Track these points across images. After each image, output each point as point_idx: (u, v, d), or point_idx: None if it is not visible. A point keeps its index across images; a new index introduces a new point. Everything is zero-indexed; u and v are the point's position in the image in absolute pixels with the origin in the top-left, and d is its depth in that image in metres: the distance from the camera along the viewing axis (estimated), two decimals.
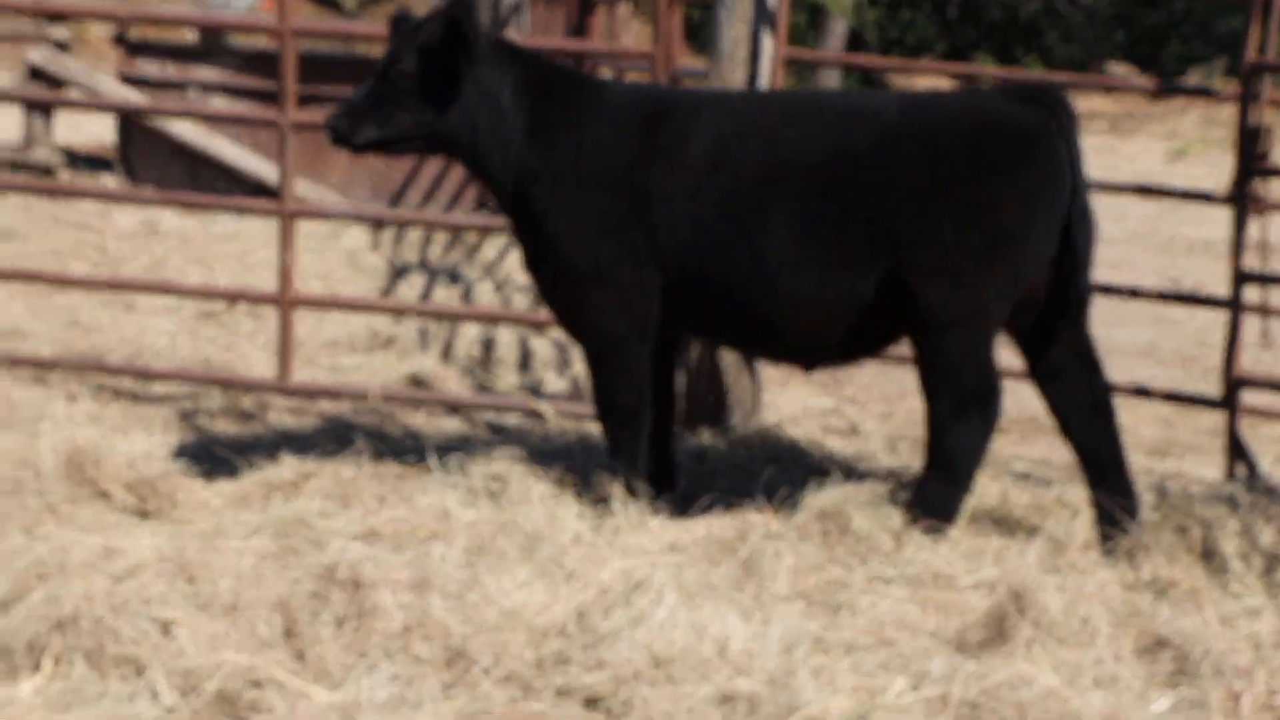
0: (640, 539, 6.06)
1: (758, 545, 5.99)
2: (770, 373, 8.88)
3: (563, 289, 6.22)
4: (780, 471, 6.84)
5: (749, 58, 7.25)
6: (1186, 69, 26.65)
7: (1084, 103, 25.69)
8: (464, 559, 5.63)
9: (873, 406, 9.05)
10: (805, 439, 7.28)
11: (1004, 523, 6.39)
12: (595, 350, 6.25)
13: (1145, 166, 19.16)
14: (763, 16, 7.21)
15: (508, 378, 9.00)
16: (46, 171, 14.51)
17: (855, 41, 38.72)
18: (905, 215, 5.87)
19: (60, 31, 14.35)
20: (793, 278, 5.97)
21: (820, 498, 6.24)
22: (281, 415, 7.66)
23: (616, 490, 6.27)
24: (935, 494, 6.03)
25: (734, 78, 7.23)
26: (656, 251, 6.05)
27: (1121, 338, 11.09)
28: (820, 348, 6.22)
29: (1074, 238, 5.90)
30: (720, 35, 7.24)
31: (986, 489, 6.63)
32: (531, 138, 6.13)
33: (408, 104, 6.09)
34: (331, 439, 7.23)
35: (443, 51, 6.05)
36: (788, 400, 8.19)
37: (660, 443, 6.49)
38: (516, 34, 13.77)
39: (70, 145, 15.49)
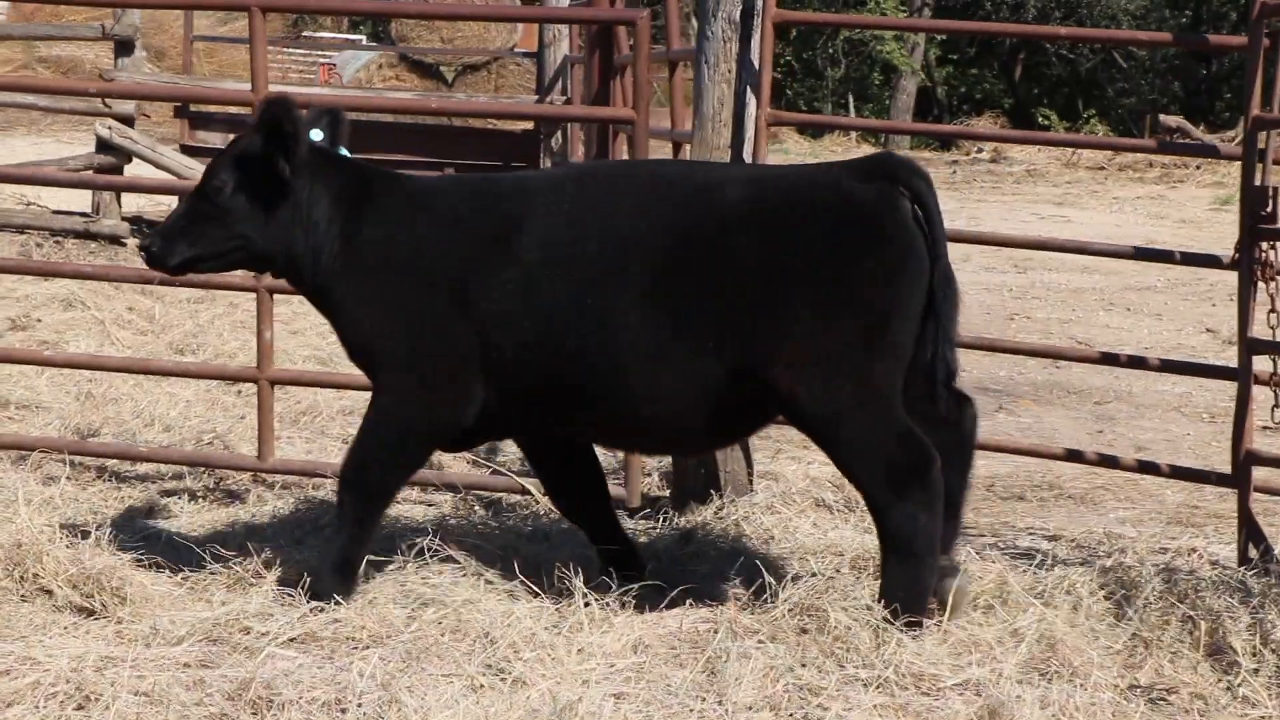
0: (602, 638, 5.22)
1: (724, 645, 5.12)
2: (783, 436, 8.03)
3: (374, 376, 5.52)
4: (764, 556, 5.98)
5: (733, 120, 6.39)
6: (1237, 120, 25.61)
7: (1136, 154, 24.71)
8: (399, 667, 4.84)
9: None
10: (797, 517, 6.39)
11: (997, 609, 5.48)
12: (373, 423, 5.46)
13: (1191, 214, 18.13)
14: (746, 77, 6.37)
15: (512, 449, 8.18)
16: (115, 240, 13.94)
17: (925, 98, 38.08)
18: (759, 304, 5.15)
19: (126, 106, 13.80)
20: (639, 371, 5.23)
21: (798, 589, 5.41)
22: (265, 496, 6.87)
23: (578, 583, 5.44)
24: (898, 581, 5.21)
25: (718, 140, 6.38)
26: (482, 348, 5.32)
27: (1160, 390, 10.17)
28: (685, 440, 5.53)
29: (938, 307, 5.18)
30: (703, 97, 6.44)
31: (985, 570, 5.77)
32: (346, 241, 5.44)
33: (223, 220, 5.45)
34: (308, 523, 6.45)
35: (262, 162, 5.37)
36: (795, 470, 7.29)
37: (604, 528, 5.77)
38: (561, 98, 13.04)
39: (140, 213, 14.91)
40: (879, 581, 5.31)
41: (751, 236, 5.17)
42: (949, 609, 5.27)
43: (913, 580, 5.20)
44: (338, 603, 5.28)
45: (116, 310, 11.14)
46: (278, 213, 5.40)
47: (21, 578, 5.52)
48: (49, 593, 5.49)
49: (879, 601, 5.19)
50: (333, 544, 5.50)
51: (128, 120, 13.86)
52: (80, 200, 14.64)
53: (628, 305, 5.19)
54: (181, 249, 5.45)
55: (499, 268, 5.28)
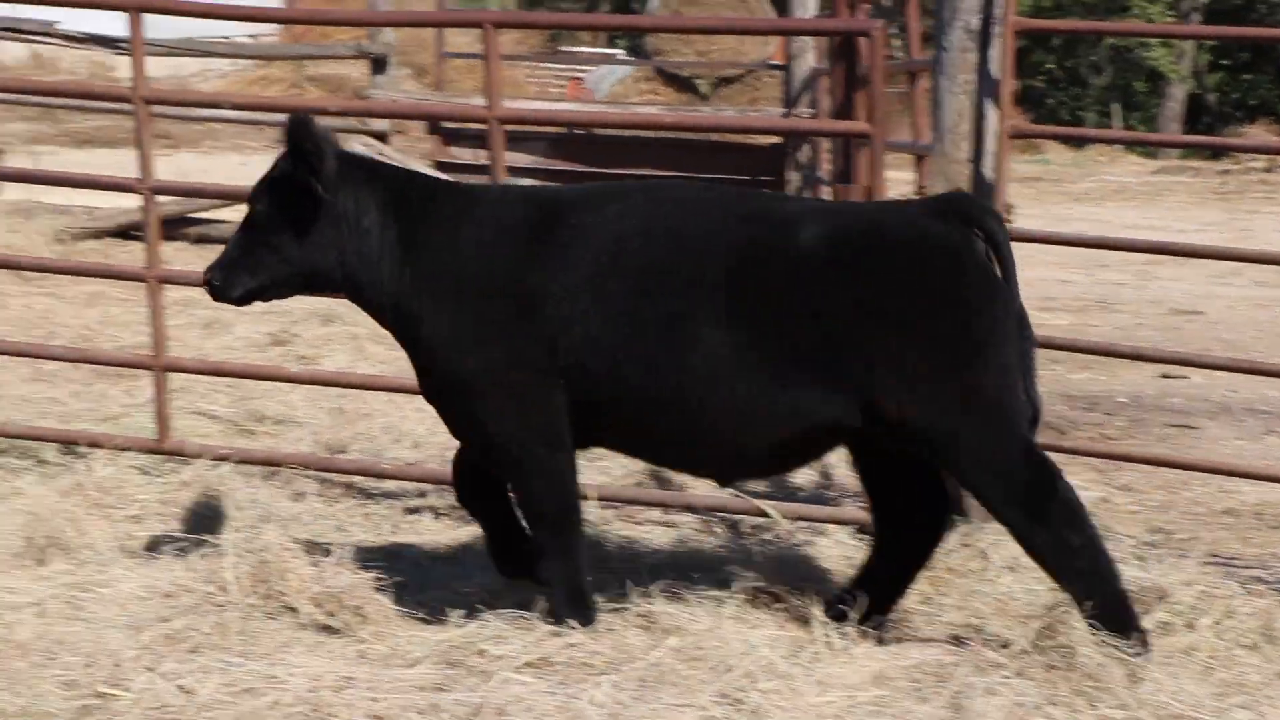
0: (842, 669, 5.08)
1: (968, 679, 4.94)
2: None
3: (455, 402, 5.38)
4: (1009, 586, 5.77)
5: (973, 132, 6.18)
6: None
7: None
8: (632, 695, 4.76)
9: (1149, 496, 7.81)
10: None
11: (1263, 647, 5.21)
12: (504, 461, 5.37)
13: None
14: (986, 87, 6.15)
15: None
16: None
17: (1196, 105, 36.90)
18: (850, 332, 5.07)
19: (380, 123, 14.07)
20: (714, 391, 5.12)
21: (1045, 622, 5.15)
22: None
23: (817, 612, 5.31)
24: (1104, 612, 5.02)
25: (957, 153, 6.19)
26: (554, 356, 5.20)
27: None
28: (754, 461, 5.35)
29: (1019, 348, 5.13)
30: (942, 108, 6.24)
31: (1250, 604, 5.50)
32: (406, 252, 5.32)
33: (272, 246, 5.35)
34: None
35: (297, 182, 5.26)
36: None
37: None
38: (809, 110, 12.89)
39: None
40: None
41: (838, 273, 5.09)
42: None
43: (1108, 597, 5.04)
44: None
45: (371, 325, 11.31)
46: (325, 229, 5.31)
47: (266, 594, 5.56)
48: (293, 610, 5.52)
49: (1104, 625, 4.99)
50: (555, 580, 5.35)
51: (383, 137, 14.12)
52: None
53: (696, 326, 5.10)
54: (244, 280, 5.39)
55: (567, 275, 5.21)
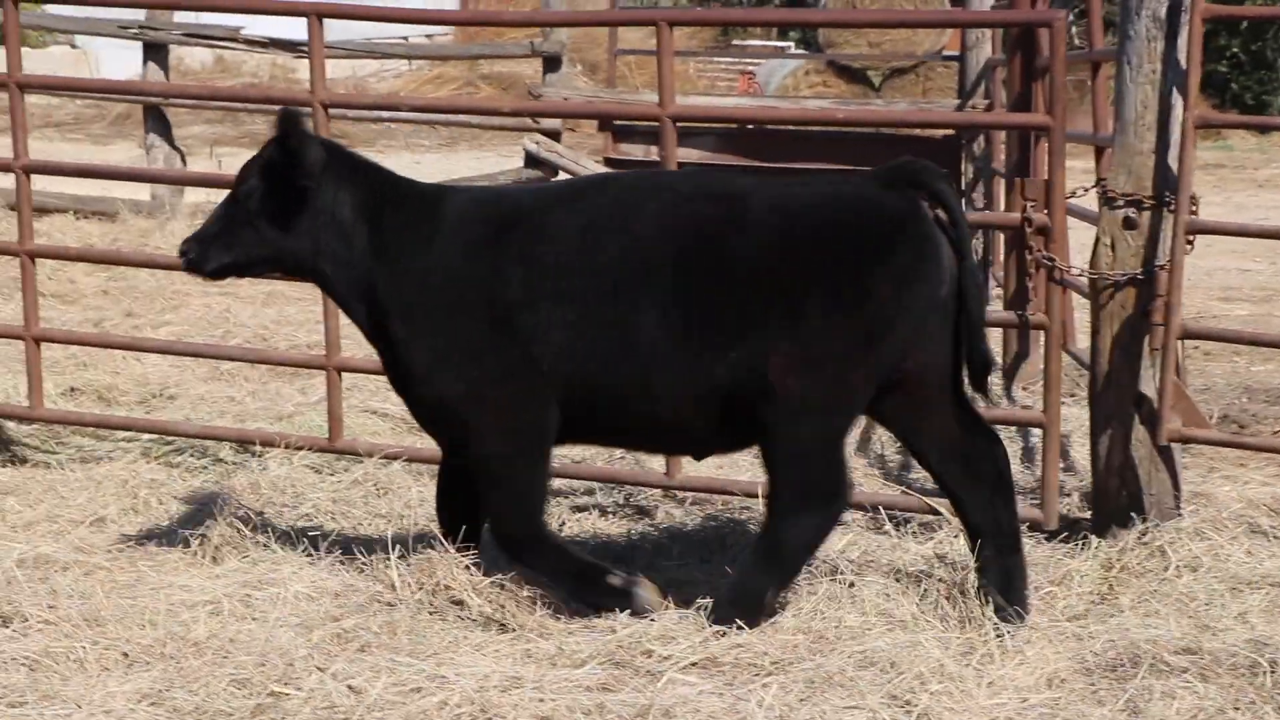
0: (1014, 670, 4.97)
1: (1147, 683, 4.81)
2: (1217, 454, 7.54)
3: (439, 415, 5.53)
4: (1190, 586, 5.59)
5: (1157, 123, 6.00)
6: None
7: None
8: (800, 696, 4.70)
9: None
10: (1229, 544, 5.93)
11: None
12: (486, 474, 5.48)
13: None
14: (1172, 77, 5.96)
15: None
16: None
17: None
18: (770, 304, 5.21)
19: (552, 121, 14.11)
20: (666, 371, 5.27)
21: (1229, 624, 5.00)
22: (674, 513, 6.84)
23: (988, 612, 5.21)
24: (752, 583, 5.29)
25: (1141, 145, 6.01)
26: (533, 361, 5.33)
27: None
28: (698, 440, 5.51)
29: (969, 304, 5.28)
30: (1125, 99, 6.05)
31: None
32: (377, 260, 5.50)
33: (254, 226, 5.53)
34: (714, 541, 6.39)
35: (283, 169, 5.46)
36: (1228, 491, 6.80)
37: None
38: (984, 102, 12.67)
39: None
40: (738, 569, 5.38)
41: (775, 240, 5.24)
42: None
43: (762, 587, 5.25)
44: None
45: None
46: (304, 217, 5.49)
47: (434, 590, 5.60)
48: (460, 604, 5.56)
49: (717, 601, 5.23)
50: (554, 575, 5.46)
51: (555, 135, 14.17)
52: None
53: (653, 308, 5.25)
54: (218, 255, 5.55)
55: (532, 279, 5.34)
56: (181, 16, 14.89)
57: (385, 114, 15.48)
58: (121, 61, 34.71)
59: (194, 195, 15.06)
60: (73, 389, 8.99)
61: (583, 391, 5.36)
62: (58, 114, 27.86)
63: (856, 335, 5.20)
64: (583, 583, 5.44)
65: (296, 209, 5.49)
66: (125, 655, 5.05)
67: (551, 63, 14.24)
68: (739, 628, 5.13)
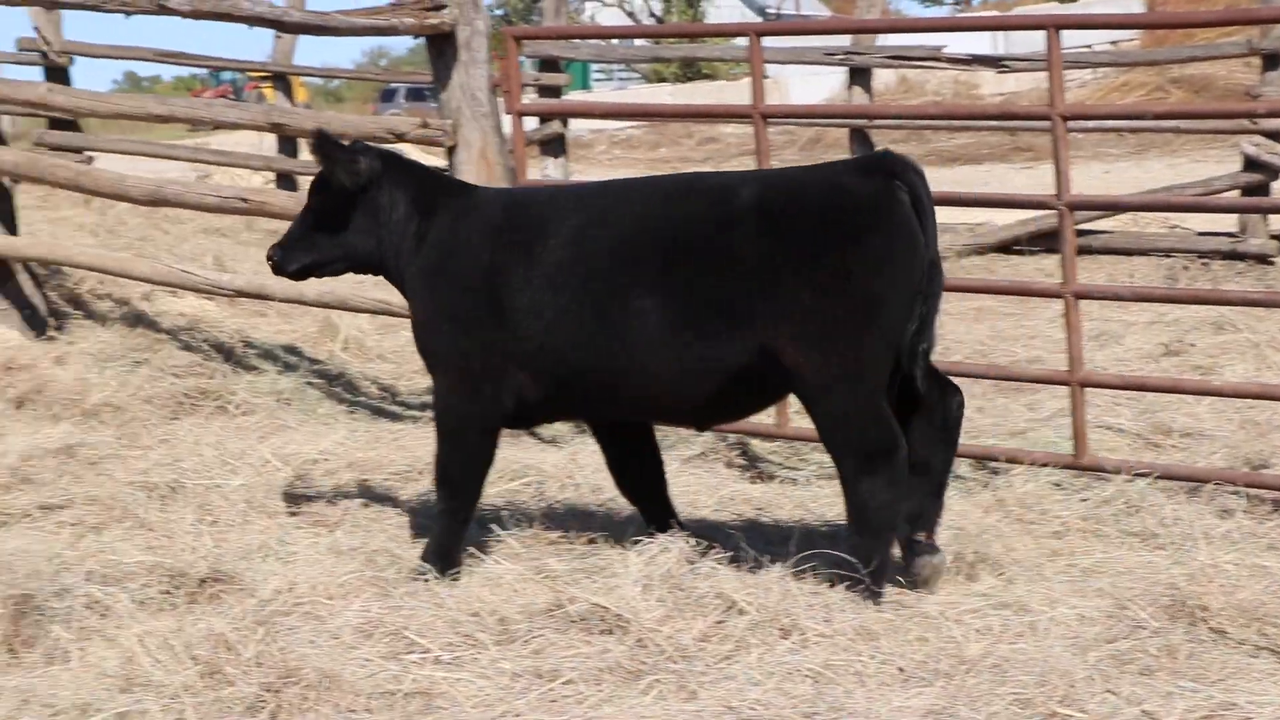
0: None
1: None
2: None
3: (431, 372, 6.30)
4: None
5: None
6: None
7: None
8: None
9: None
10: None
11: None
12: (441, 426, 6.26)
13: None
14: None
15: None
16: (1262, 260, 13.57)
17: None
18: (765, 289, 5.73)
19: (1273, 122, 13.33)
20: (659, 354, 5.85)
21: None
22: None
23: None
24: (860, 553, 5.71)
25: None
26: (513, 345, 6.04)
27: None
28: (700, 413, 6.11)
29: (927, 291, 5.76)
30: None
31: None
32: (417, 246, 6.25)
33: (326, 230, 6.33)
34: None
35: (331, 181, 6.27)
36: None
37: (659, 511, 6.46)
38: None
39: None
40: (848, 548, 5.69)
41: (764, 228, 5.74)
42: (925, 585, 5.85)
43: (871, 551, 5.69)
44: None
45: (1270, 332, 10.78)
46: (365, 218, 6.28)
47: (1181, 616, 5.40)
48: (1221, 632, 5.31)
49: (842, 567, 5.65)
50: (432, 536, 6.19)
51: (1278, 136, 13.43)
52: (1228, 220, 14.40)
53: (646, 298, 5.81)
54: (298, 257, 6.37)
55: (528, 268, 6.01)
56: (883, 40, 15.11)
57: (1121, 123, 15.13)
58: (810, 88, 35.94)
59: None
60: None
61: (575, 372, 5.99)
62: (752, 142, 28.96)
63: (853, 310, 5.64)
64: (441, 551, 6.15)
65: (357, 211, 6.29)
66: (900, 670, 5.09)
67: (1271, 61, 13.48)
68: (875, 595, 5.62)
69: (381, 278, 6.51)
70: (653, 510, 6.50)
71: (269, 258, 6.48)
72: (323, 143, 6.29)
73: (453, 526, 6.24)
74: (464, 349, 6.13)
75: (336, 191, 6.31)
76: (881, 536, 5.74)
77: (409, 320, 6.44)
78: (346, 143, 6.42)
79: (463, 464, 6.24)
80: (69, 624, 5.43)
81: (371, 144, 6.69)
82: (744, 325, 5.76)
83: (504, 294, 6.04)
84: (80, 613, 5.50)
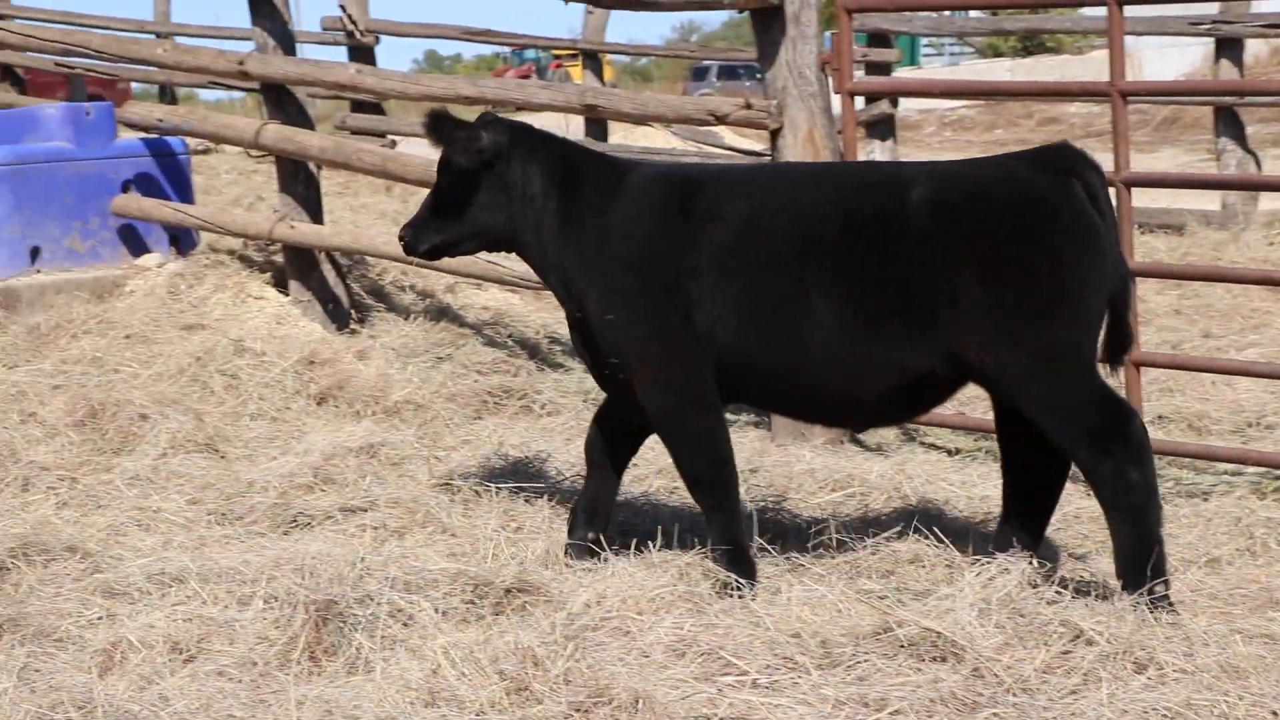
0: None
1: None
2: None
3: (613, 366, 6.38)
4: None
5: None
6: None
7: None
8: None
9: None
10: None
11: None
12: (659, 425, 6.41)
13: None
14: None
15: None
16: None
17: None
18: (947, 285, 5.91)
19: None
20: (835, 349, 6.04)
21: None
22: None
23: None
24: (1132, 550, 5.77)
25: None
26: (693, 327, 6.18)
27: None
28: (869, 413, 6.33)
29: (1114, 295, 5.96)
30: None
31: None
32: (564, 224, 6.37)
33: (455, 208, 6.47)
34: None
35: (452, 160, 6.42)
36: None
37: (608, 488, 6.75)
38: None
39: None
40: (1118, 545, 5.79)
41: (945, 224, 5.92)
42: None
43: (1143, 538, 5.74)
44: None
45: None
46: (496, 194, 6.40)
47: None
48: None
49: (1117, 572, 5.78)
50: (717, 539, 6.24)
51: None
52: None
53: (822, 288, 6.01)
54: (429, 237, 6.51)
55: (703, 250, 6.18)
56: (1258, 5, 14.61)
57: None
58: (1167, 62, 34.99)
59: (1271, 202, 14.77)
60: (1160, 416, 9.04)
61: (747, 360, 6.17)
62: (1099, 122, 28.38)
63: (1038, 305, 5.82)
64: (735, 555, 6.21)
65: (486, 188, 6.42)
66: (1274, 715, 4.93)
67: None
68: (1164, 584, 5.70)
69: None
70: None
71: (400, 238, 6.65)
72: (436, 124, 6.41)
73: (729, 522, 6.30)
74: (648, 334, 6.24)
75: (461, 169, 6.45)
76: (1148, 515, 5.76)
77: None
78: (474, 118, 6.55)
79: (707, 453, 6.33)
80: (372, 633, 5.61)
81: (502, 116, 6.80)
82: (924, 322, 5.93)
83: (681, 278, 6.18)
84: (384, 621, 5.67)
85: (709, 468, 6.34)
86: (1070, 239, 5.86)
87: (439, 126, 6.43)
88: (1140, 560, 5.74)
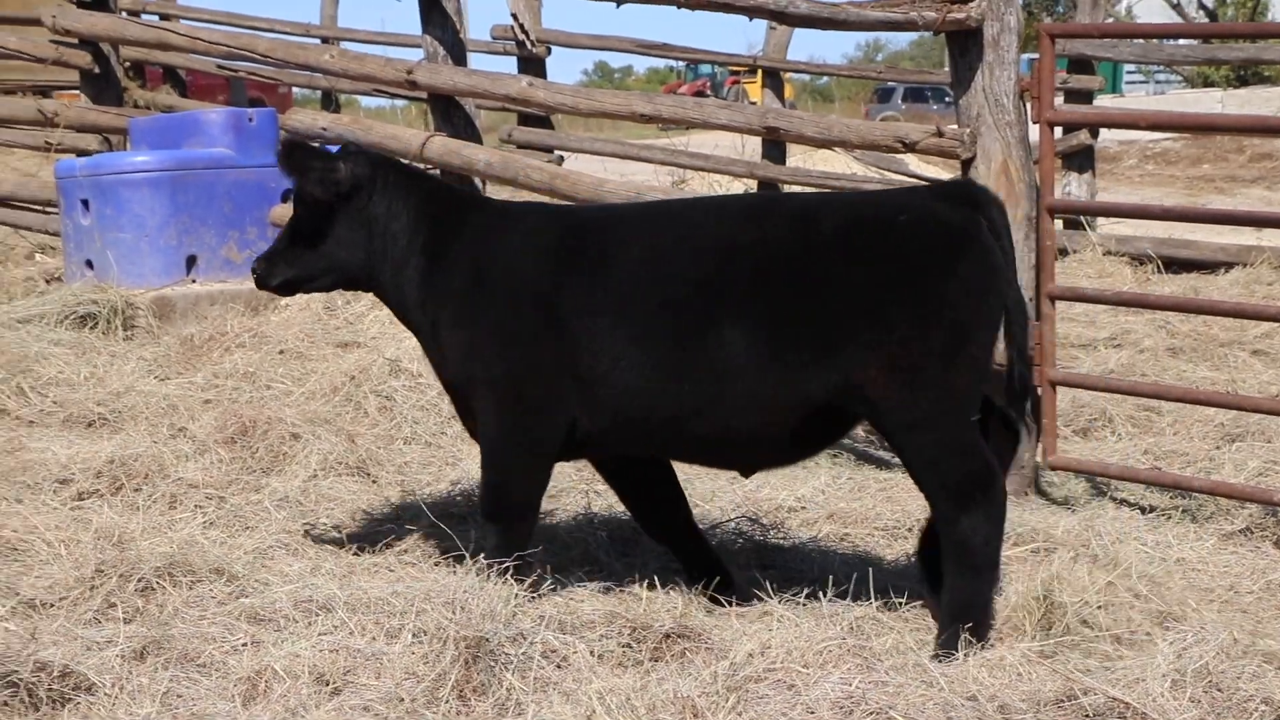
0: None
1: None
2: None
3: (464, 397, 6.53)
4: None
5: None
6: None
7: None
8: None
9: None
10: None
11: None
12: (484, 458, 6.54)
13: None
14: None
15: None
16: None
17: None
18: (849, 319, 6.03)
19: None
20: (731, 386, 6.11)
21: None
22: None
23: None
24: (961, 595, 6.04)
25: None
26: (571, 368, 6.25)
27: None
28: (761, 454, 6.46)
29: (1013, 328, 6.14)
30: None
31: None
32: (433, 262, 6.47)
33: (312, 241, 6.53)
34: None
35: (306, 193, 6.47)
36: None
37: (688, 544, 6.85)
38: None
39: None
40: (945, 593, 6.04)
41: (850, 255, 6.06)
42: None
43: (974, 593, 6.03)
44: None
45: None
46: (354, 230, 6.52)
47: None
48: None
49: (944, 620, 6.02)
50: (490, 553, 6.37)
51: None
52: None
53: (722, 325, 6.09)
54: (282, 270, 6.59)
55: (592, 290, 6.28)
56: None
57: None
58: None
59: None
60: None
61: (636, 401, 6.24)
62: None
63: (943, 339, 5.97)
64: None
65: (344, 223, 6.51)
66: None
67: None
68: (976, 643, 5.84)
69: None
70: (687, 552, 6.83)
71: (252, 270, 6.73)
72: (290, 152, 6.49)
73: (504, 548, 6.43)
74: (516, 372, 6.35)
75: (316, 201, 6.51)
76: (984, 576, 6.05)
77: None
78: (331, 148, 6.63)
79: (520, 492, 6.53)
80: (525, 674, 5.63)
81: (361, 148, 6.89)
82: (822, 358, 6.04)
83: (562, 317, 6.27)
84: (537, 661, 5.69)
85: (511, 510, 6.55)
86: (976, 274, 6.04)
87: (292, 155, 6.48)
88: (962, 615, 5.99)
